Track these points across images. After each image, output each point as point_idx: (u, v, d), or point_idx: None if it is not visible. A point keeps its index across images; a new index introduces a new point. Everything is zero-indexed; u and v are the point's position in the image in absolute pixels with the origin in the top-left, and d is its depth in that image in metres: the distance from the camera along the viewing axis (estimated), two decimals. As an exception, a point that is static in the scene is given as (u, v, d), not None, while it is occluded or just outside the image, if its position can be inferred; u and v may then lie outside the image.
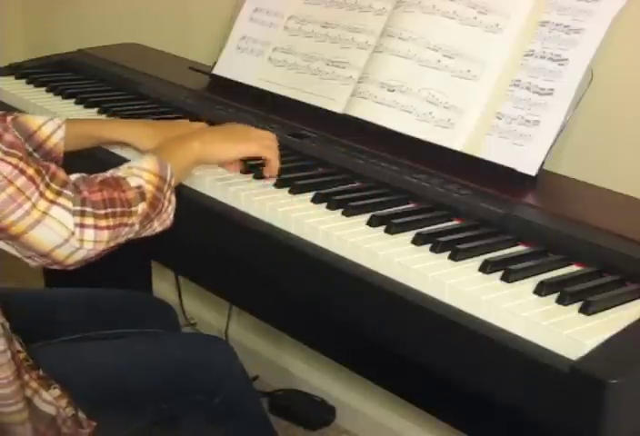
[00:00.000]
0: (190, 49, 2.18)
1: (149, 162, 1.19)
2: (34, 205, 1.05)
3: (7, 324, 1.20)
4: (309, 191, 1.33)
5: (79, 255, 1.09)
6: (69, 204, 1.07)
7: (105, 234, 1.10)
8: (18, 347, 1.22)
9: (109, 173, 1.17)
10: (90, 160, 1.53)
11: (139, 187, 1.15)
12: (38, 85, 1.90)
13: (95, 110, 1.73)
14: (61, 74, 1.99)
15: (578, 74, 1.33)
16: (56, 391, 1.21)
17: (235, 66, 1.81)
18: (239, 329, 2.35)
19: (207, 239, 1.38)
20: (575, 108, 1.35)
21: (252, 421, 1.43)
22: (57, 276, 1.95)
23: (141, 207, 1.14)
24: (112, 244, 1.12)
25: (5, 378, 1.15)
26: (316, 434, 2.15)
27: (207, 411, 1.36)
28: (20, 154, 1.06)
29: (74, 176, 1.13)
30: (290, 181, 1.36)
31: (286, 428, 2.12)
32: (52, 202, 1.06)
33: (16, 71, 1.98)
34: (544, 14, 1.39)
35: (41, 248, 1.07)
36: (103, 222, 1.09)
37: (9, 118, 1.40)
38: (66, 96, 1.81)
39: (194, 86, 1.87)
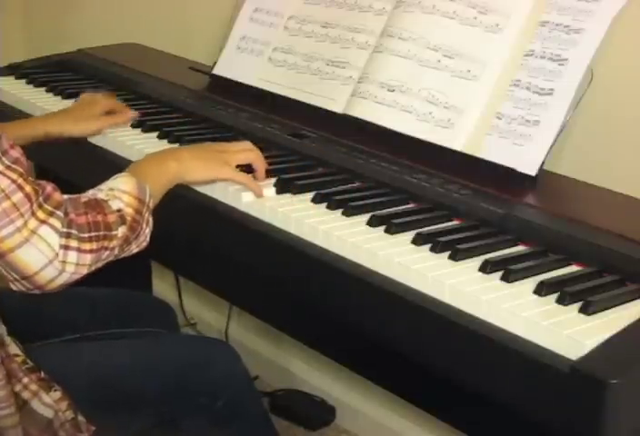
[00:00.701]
0: (190, 49, 2.18)
1: (128, 184, 1.18)
2: (25, 223, 1.04)
3: (3, 327, 1.20)
4: (309, 191, 1.33)
5: (61, 279, 1.08)
6: (58, 225, 1.06)
7: (88, 258, 1.09)
8: (16, 351, 1.21)
9: (91, 194, 1.16)
10: (93, 160, 1.53)
11: (119, 210, 1.14)
12: (38, 85, 1.90)
13: (95, 110, 1.73)
14: (61, 74, 1.99)
15: (578, 74, 1.33)
16: (57, 394, 1.20)
17: (235, 66, 1.81)
18: (239, 329, 2.35)
19: (207, 239, 1.39)
20: (575, 108, 1.35)
21: (254, 422, 1.43)
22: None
23: (121, 231, 1.13)
24: (93, 268, 1.11)
25: None
26: (316, 434, 2.15)
27: (209, 414, 1.36)
28: (21, 171, 1.05)
29: (66, 197, 1.12)
30: (290, 181, 1.36)
31: (286, 428, 2.12)
32: (42, 221, 1.05)
33: (16, 71, 1.98)
34: (544, 14, 1.39)
35: (26, 269, 1.05)
36: (87, 246, 1.08)
37: None
38: (66, 96, 1.81)
39: (194, 86, 1.87)
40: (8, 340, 1.21)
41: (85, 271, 1.09)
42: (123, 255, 1.19)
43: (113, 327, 1.49)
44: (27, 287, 1.08)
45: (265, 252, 1.29)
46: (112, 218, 1.12)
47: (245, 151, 1.38)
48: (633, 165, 1.49)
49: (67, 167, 1.66)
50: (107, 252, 1.12)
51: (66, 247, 1.06)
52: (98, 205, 1.13)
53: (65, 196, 1.12)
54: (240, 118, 1.64)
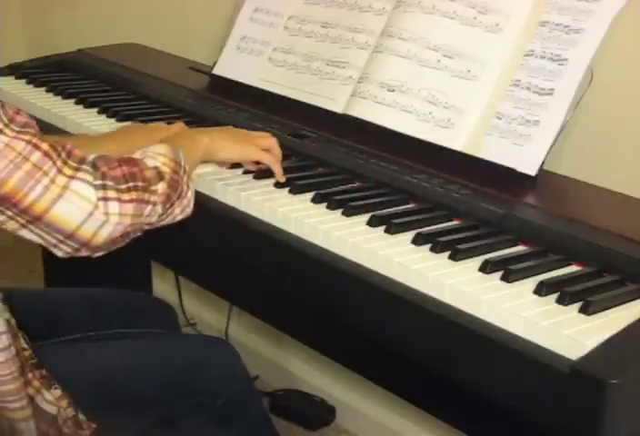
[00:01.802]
0: (190, 49, 2.18)
1: (162, 147, 1.19)
2: (52, 181, 1.02)
3: (13, 321, 1.20)
4: (309, 191, 1.33)
5: (106, 231, 1.06)
6: (89, 178, 1.05)
7: (130, 207, 1.07)
8: (23, 344, 1.21)
9: (125, 155, 1.16)
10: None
11: (156, 167, 1.14)
12: (38, 85, 1.90)
13: (95, 110, 1.73)
14: (61, 74, 1.99)
15: (578, 74, 1.33)
16: (57, 392, 1.21)
17: (235, 66, 1.81)
18: (239, 329, 2.35)
19: (207, 239, 1.39)
20: (575, 108, 1.35)
21: (254, 422, 1.43)
22: (58, 276, 1.95)
23: (161, 186, 1.12)
24: (136, 222, 1.09)
25: (10, 374, 1.14)
26: (316, 434, 2.15)
27: (209, 413, 1.36)
28: (33, 131, 1.04)
29: (92, 156, 1.11)
30: (290, 181, 1.36)
31: (286, 428, 2.12)
32: (71, 177, 1.04)
33: (16, 71, 1.98)
34: (544, 14, 1.39)
35: (66, 226, 1.04)
36: (126, 196, 1.07)
37: None
38: (66, 96, 1.81)
39: (194, 86, 1.87)
40: (18, 333, 1.21)
41: (128, 221, 1.08)
42: (167, 220, 1.18)
43: (113, 327, 1.49)
44: (73, 247, 1.07)
45: (265, 252, 1.29)
46: (149, 173, 1.12)
47: (267, 137, 1.42)
48: (633, 165, 1.49)
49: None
50: (150, 207, 1.11)
51: (105, 198, 1.05)
52: (132, 161, 1.13)
53: (95, 154, 1.11)
54: (240, 118, 1.64)
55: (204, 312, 2.45)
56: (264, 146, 1.39)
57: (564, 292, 1.05)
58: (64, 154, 1.05)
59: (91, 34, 2.58)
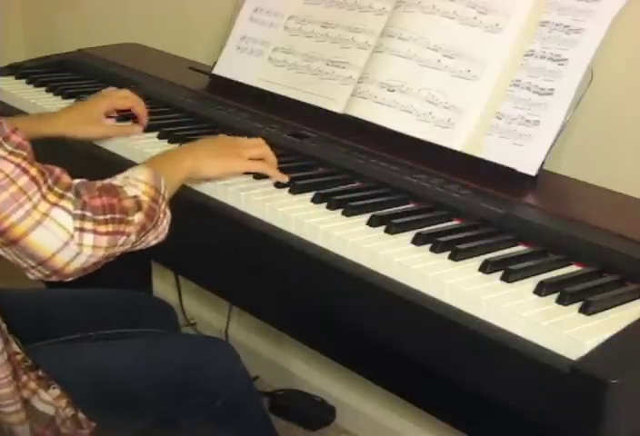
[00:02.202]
0: (190, 49, 2.18)
1: (144, 173, 1.18)
2: (35, 206, 1.03)
3: (4, 326, 1.20)
4: (309, 191, 1.33)
5: (79, 262, 1.07)
6: (70, 207, 1.05)
7: (104, 240, 1.08)
8: (16, 348, 1.21)
9: (107, 181, 1.16)
10: (94, 161, 1.53)
11: (135, 197, 1.14)
12: (38, 85, 1.90)
13: (95, 110, 1.73)
14: (61, 74, 1.99)
15: (578, 74, 1.33)
16: (56, 391, 1.21)
17: (235, 66, 1.81)
18: (239, 329, 2.35)
19: (207, 239, 1.39)
20: (575, 108, 1.35)
21: (254, 422, 1.43)
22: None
23: (137, 217, 1.12)
24: (109, 253, 1.10)
25: (4, 378, 1.14)
26: (316, 434, 2.15)
27: (209, 413, 1.36)
28: (24, 154, 1.04)
29: (75, 181, 1.11)
30: (290, 181, 1.36)
31: (286, 428, 2.12)
32: (54, 204, 1.04)
33: (16, 71, 1.98)
34: (544, 14, 1.39)
35: (41, 253, 1.04)
36: (102, 228, 1.07)
37: None
38: (66, 96, 1.81)
39: (194, 86, 1.87)
40: (10, 337, 1.21)
41: (101, 253, 1.08)
42: (140, 246, 1.18)
43: (113, 327, 1.49)
44: (44, 273, 1.07)
45: (265, 252, 1.29)
46: (128, 203, 1.12)
47: (258, 146, 1.39)
48: (633, 165, 1.49)
49: (64, 166, 1.66)
50: (124, 238, 1.11)
51: (82, 229, 1.05)
52: (113, 190, 1.12)
53: (78, 180, 1.11)
54: (240, 118, 1.64)
55: (204, 312, 2.45)
56: (254, 156, 1.37)
57: (564, 292, 1.05)
58: (50, 181, 1.05)
59: (91, 34, 2.58)
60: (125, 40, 2.27)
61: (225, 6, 1.97)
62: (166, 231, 1.20)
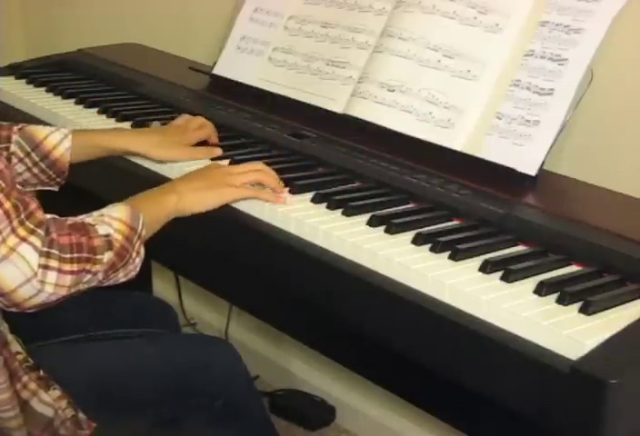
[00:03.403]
0: (190, 49, 2.18)
1: (121, 211, 1.16)
2: (3, 240, 1.02)
3: (5, 326, 1.19)
4: (309, 191, 1.33)
5: (39, 299, 1.06)
6: (38, 244, 1.04)
7: (68, 279, 1.07)
8: (17, 348, 1.21)
9: (79, 218, 1.14)
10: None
11: (107, 236, 1.12)
12: (38, 85, 1.90)
13: (95, 110, 1.73)
14: (61, 74, 1.99)
15: (578, 74, 1.33)
16: (56, 392, 1.20)
17: (235, 66, 1.81)
18: (239, 329, 2.35)
19: (207, 239, 1.38)
20: (575, 108, 1.35)
21: (254, 423, 1.42)
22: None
23: (107, 256, 1.11)
24: (73, 290, 1.09)
25: (2, 383, 1.14)
26: (316, 434, 2.15)
27: (209, 414, 1.36)
28: (2, 185, 1.03)
29: (47, 216, 1.10)
30: (290, 181, 1.36)
31: (286, 428, 2.12)
32: (23, 239, 1.03)
33: (16, 71, 1.98)
34: (544, 14, 1.39)
35: (2, 286, 1.03)
36: (67, 267, 1.06)
37: (15, 128, 1.39)
38: (66, 96, 1.81)
39: (194, 86, 1.87)
40: (10, 337, 1.21)
41: (64, 292, 1.07)
42: (108, 283, 1.16)
43: (113, 327, 1.49)
44: (4, 304, 1.06)
45: (265, 253, 1.29)
46: (97, 242, 1.10)
47: (252, 171, 1.33)
48: (633, 165, 1.49)
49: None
50: (89, 276, 1.10)
51: (46, 267, 1.04)
52: (84, 228, 1.11)
53: (49, 216, 1.10)
54: (240, 118, 1.64)
55: (204, 312, 2.45)
56: (248, 181, 1.31)
57: (564, 292, 1.05)
58: (23, 215, 1.04)
59: (91, 34, 2.58)
60: (125, 40, 2.27)
61: (225, 6, 1.97)
62: (137, 269, 1.18)
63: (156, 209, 1.24)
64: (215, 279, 1.61)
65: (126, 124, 1.64)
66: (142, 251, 1.18)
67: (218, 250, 1.39)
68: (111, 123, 1.65)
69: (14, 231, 1.03)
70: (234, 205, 1.32)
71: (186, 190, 1.28)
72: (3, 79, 1.94)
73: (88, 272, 1.09)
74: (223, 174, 1.32)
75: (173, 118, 1.67)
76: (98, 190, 1.54)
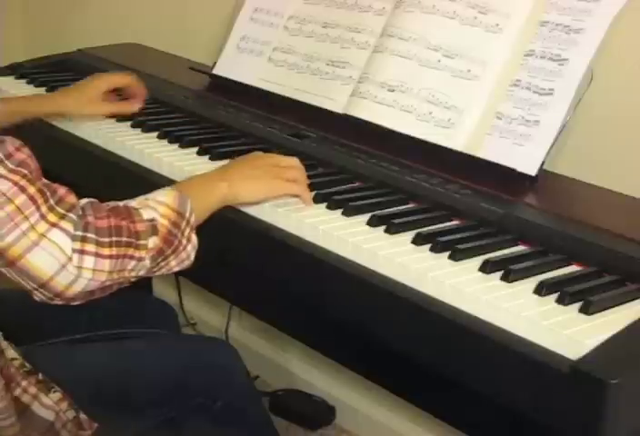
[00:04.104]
0: (190, 49, 2.18)
1: (168, 195, 1.13)
2: (32, 227, 0.99)
3: None
4: (309, 191, 1.33)
5: (79, 285, 1.02)
6: (70, 228, 1.01)
7: (107, 264, 1.03)
8: (13, 354, 1.20)
9: (122, 203, 1.11)
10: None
11: (152, 220, 1.08)
12: (38, 85, 1.90)
13: (95, 110, 1.73)
14: (61, 74, 1.99)
15: (578, 74, 1.33)
16: (57, 395, 1.20)
17: (235, 66, 1.81)
18: (239, 329, 2.35)
19: (206, 239, 1.38)
20: (575, 108, 1.35)
21: (254, 423, 1.42)
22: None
23: (152, 241, 1.07)
24: (115, 276, 1.06)
25: None
26: (316, 434, 2.15)
27: (209, 414, 1.36)
28: (25, 172, 1.01)
29: (83, 201, 1.07)
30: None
31: (286, 428, 2.12)
32: (53, 224, 1.00)
33: (16, 71, 1.98)
34: (544, 14, 1.39)
35: (39, 275, 1.00)
36: (105, 251, 1.02)
37: None
38: (66, 96, 1.81)
39: (194, 86, 1.87)
40: (5, 344, 1.20)
41: (103, 277, 1.04)
42: (161, 271, 1.13)
43: (113, 328, 1.49)
44: (47, 296, 1.03)
45: (265, 252, 1.28)
46: (141, 226, 1.07)
47: (294, 168, 1.31)
48: (633, 165, 1.49)
49: (64, 168, 1.66)
50: (134, 263, 1.07)
51: (82, 251, 1.01)
52: (126, 212, 1.07)
53: (86, 200, 1.07)
54: (240, 118, 1.64)
55: (204, 312, 2.45)
56: (290, 178, 1.29)
57: (564, 292, 1.05)
58: (52, 200, 1.02)
59: (91, 34, 2.58)
60: (124, 40, 2.27)
61: (225, 6, 1.97)
62: (192, 258, 1.15)
63: (206, 196, 1.21)
64: (214, 279, 1.61)
65: (126, 124, 1.63)
66: (193, 238, 1.14)
67: (218, 250, 1.38)
68: (111, 122, 1.65)
69: (43, 217, 1.00)
70: (233, 205, 1.32)
71: (237, 178, 1.24)
72: (3, 79, 1.94)
73: (132, 257, 1.06)
74: (271, 166, 1.29)
75: (172, 118, 1.67)
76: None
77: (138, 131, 1.60)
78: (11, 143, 1.02)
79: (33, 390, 1.18)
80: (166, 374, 1.35)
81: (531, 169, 1.35)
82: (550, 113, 1.35)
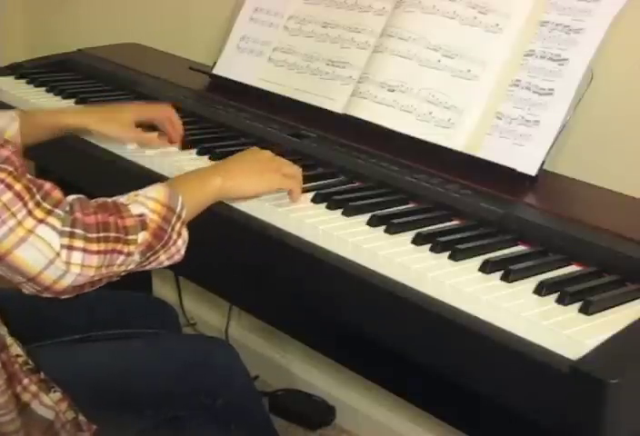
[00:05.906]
0: (190, 49, 2.18)
1: (158, 191, 1.14)
2: (19, 223, 1.00)
3: (4, 328, 1.19)
4: (309, 191, 1.33)
5: (67, 280, 1.03)
6: (57, 224, 1.02)
7: (95, 259, 1.04)
8: (17, 351, 1.20)
9: (111, 199, 1.12)
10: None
11: (141, 215, 1.09)
12: (38, 85, 1.90)
13: (95, 110, 1.73)
14: (61, 74, 1.99)
15: (578, 74, 1.34)
16: (57, 395, 1.19)
17: (235, 66, 1.81)
18: (239, 329, 2.35)
19: (206, 239, 1.38)
20: (575, 108, 1.35)
21: (254, 422, 1.43)
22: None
23: (141, 236, 1.08)
24: (104, 271, 1.07)
25: None
26: (316, 434, 2.15)
27: (209, 414, 1.36)
28: (10, 169, 1.01)
29: (70, 197, 1.08)
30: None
31: (286, 428, 2.12)
32: (40, 221, 1.01)
33: (16, 71, 1.98)
34: (544, 14, 1.39)
35: (27, 270, 1.02)
36: (93, 246, 1.04)
37: None
38: (66, 96, 1.81)
39: (194, 86, 1.87)
40: (10, 340, 1.21)
41: (91, 272, 1.05)
42: (151, 266, 1.14)
43: (113, 328, 1.49)
44: (36, 289, 1.05)
45: (265, 252, 1.29)
46: (129, 222, 1.08)
47: (291, 164, 1.32)
48: (633, 165, 1.49)
49: (63, 166, 1.66)
50: (122, 257, 1.07)
51: (70, 247, 1.02)
52: (114, 207, 1.08)
53: (74, 196, 1.08)
54: (240, 118, 1.64)
55: (204, 312, 2.45)
56: (289, 173, 1.30)
57: (564, 292, 1.05)
58: (38, 196, 1.02)
59: (91, 34, 2.58)
60: (125, 40, 2.27)
61: (225, 6, 1.97)
62: (182, 252, 1.16)
63: (199, 191, 1.21)
64: (214, 279, 1.62)
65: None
66: (184, 233, 1.15)
67: (217, 250, 1.39)
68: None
69: (30, 213, 1.01)
70: (233, 205, 1.32)
71: (231, 172, 1.25)
72: (3, 79, 1.94)
73: (120, 252, 1.07)
74: (267, 161, 1.30)
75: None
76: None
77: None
78: None
79: (33, 388, 1.18)
80: (166, 374, 1.35)
81: (531, 169, 1.35)
82: (550, 113, 1.35)
